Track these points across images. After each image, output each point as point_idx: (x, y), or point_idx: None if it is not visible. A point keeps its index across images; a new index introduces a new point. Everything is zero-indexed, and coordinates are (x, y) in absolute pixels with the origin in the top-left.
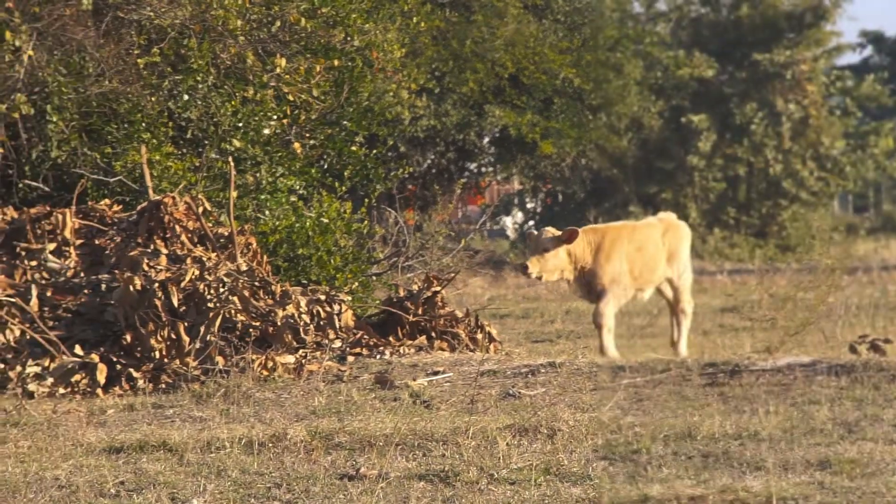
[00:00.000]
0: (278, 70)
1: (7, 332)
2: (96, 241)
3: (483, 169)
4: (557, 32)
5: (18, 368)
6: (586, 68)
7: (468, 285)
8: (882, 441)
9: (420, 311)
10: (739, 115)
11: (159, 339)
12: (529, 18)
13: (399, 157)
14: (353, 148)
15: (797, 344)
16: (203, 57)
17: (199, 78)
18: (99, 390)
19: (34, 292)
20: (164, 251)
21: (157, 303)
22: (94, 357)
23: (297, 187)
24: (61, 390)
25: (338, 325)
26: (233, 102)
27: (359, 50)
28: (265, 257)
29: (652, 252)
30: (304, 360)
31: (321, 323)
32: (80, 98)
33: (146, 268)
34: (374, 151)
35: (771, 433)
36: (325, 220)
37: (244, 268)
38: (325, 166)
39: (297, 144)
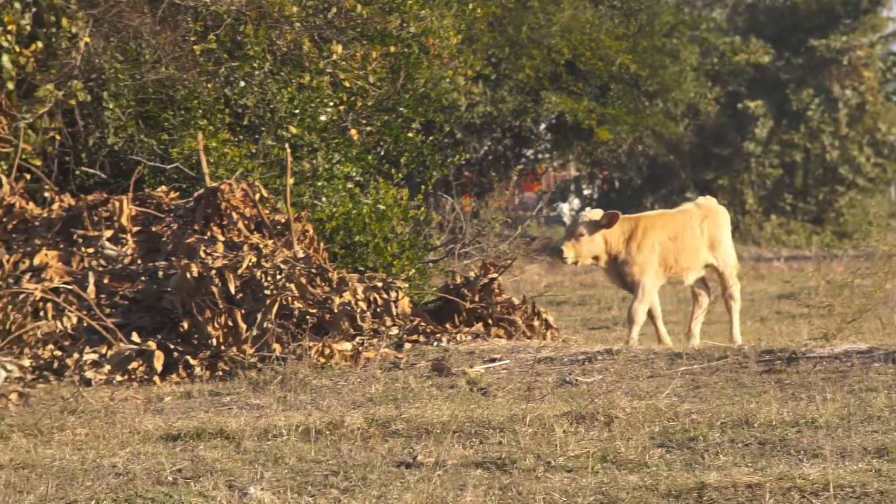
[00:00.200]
0: (335, 56)
1: (64, 319)
2: (153, 228)
3: (539, 155)
4: (614, 18)
5: (76, 356)
6: (642, 54)
7: (525, 272)
8: None
9: (477, 298)
10: (796, 101)
11: (216, 326)
12: (585, 4)
13: (455, 144)
14: (410, 134)
15: (854, 331)
16: (259, 43)
17: (255, 65)
18: (156, 378)
19: (91, 279)
20: (221, 238)
21: (214, 290)
22: (151, 344)
23: (354, 174)
24: (118, 378)
25: (394, 313)
26: (289, 89)
27: (415, 36)
28: (322, 244)
29: (688, 240)
30: (360, 348)
31: (378, 310)
32: (137, 85)
33: (203, 255)
34: (431, 138)
35: (828, 420)
36: (382, 207)
37: (301, 255)
38: (382, 153)
39: (353, 131)
